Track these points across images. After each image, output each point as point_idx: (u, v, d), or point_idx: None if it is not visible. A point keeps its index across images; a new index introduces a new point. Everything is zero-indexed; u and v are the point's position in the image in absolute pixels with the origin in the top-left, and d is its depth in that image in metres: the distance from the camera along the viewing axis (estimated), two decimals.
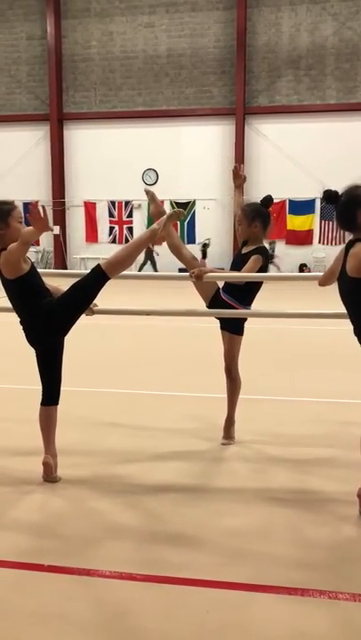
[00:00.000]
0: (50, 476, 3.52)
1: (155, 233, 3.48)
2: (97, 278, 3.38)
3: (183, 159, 19.54)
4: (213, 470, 3.79)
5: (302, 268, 18.67)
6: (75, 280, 3.50)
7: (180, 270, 16.88)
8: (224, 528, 3.00)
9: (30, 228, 3.19)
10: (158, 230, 3.47)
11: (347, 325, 3.25)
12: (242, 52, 18.60)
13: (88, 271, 3.48)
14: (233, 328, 4.10)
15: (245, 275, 3.90)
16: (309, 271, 18.06)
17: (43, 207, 3.14)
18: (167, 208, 21.09)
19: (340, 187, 3.13)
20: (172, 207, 18.22)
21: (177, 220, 3.65)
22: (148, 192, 4.17)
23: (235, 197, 4.44)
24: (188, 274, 3.88)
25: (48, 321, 3.41)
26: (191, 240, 19.03)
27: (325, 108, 18.55)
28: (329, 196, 3.09)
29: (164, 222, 3.50)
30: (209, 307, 4.09)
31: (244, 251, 4.07)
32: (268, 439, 4.30)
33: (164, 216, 3.55)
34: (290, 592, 2.46)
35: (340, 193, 3.07)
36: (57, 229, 20.05)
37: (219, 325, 4.19)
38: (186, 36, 19.22)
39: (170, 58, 19.45)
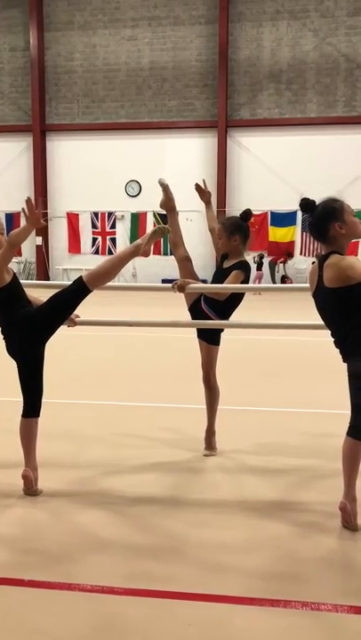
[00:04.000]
0: (30, 489, 3.48)
1: (138, 248, 3.51)
2: (78, 290, 3.40)
3: (166, 171, 19.55)
4: (195, 482, 3.78)
5: (284, 279, 18.79)
6: (56, 291, 3.50)
7: (164, 281, 16.86)
8: (206, 540, 2.99)
9: (19, 228, 3.23)
10: (142, 245, 3.50)
11: (327, 336, 3.27)
12: (224, 65, 18.78)
13: (70, 282, 3.49)
14: (209, 338, 4.16)
15: (227, 286, 3.94)
16: (291, 282, 18.19)
17: (28, 199, 3.29)
18: (150, 220, 20.74)
19: (320, 199, 3.17)
20: (155, 218, 18.26)
21: (161, 236, 3.68)
22: (162, 184, 4.22)
23: (206, 214, 4.48)
24: (170, 285, 3.90)
25: (27, 330, 3.41)
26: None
27: (306, 122, 18.79)
28: (306, 205, 3.12)
29: (148, 238, 3.53)
30: (189, 310, 4.20)
31: (225, 265, 4.12)
32: (250, 450, 4.30)
33: (149, 232, 3.59)
34: (272, 604, 2.46)
35: (317, 203, 3.11)
36: (39, 240, 19.97)
37: (196, 334, 4.22)
38: (168, 49, 19.37)
39: (152, 71, 19.58)
